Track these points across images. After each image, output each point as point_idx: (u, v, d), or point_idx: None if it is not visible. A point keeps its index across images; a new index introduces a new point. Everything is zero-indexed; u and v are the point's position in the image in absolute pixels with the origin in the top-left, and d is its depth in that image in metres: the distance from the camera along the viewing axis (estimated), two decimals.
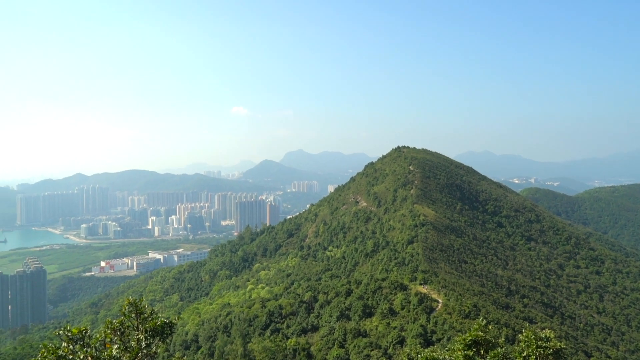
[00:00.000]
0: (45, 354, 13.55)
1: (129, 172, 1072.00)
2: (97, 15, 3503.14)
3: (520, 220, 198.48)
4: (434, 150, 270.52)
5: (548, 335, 19.27)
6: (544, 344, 18.69)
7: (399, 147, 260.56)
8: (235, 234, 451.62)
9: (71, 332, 14.04)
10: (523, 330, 20.48)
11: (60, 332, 14.12)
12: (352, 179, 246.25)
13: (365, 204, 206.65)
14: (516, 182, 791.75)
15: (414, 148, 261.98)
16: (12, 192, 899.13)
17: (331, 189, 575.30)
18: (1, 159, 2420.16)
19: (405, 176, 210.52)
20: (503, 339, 22.49)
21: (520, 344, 19.60)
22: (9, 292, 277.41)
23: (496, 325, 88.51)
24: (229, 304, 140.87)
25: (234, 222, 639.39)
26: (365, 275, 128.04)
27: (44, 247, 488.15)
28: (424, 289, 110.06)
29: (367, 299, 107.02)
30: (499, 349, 20.17)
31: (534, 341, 19.07)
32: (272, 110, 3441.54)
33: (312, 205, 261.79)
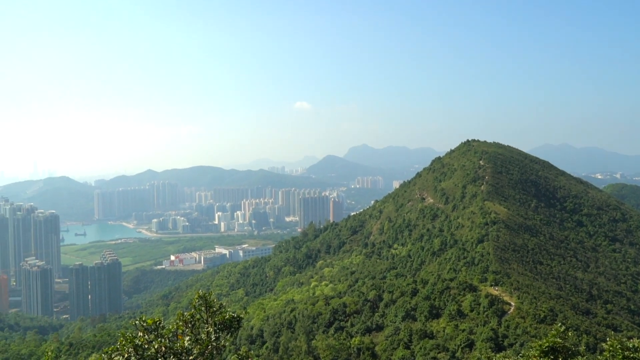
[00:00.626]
0: (123, 343, 14.19)
1: (196, 168, 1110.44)
2: (156, 13, 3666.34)
3: (603, 219, 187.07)
4: (506, 144, 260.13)
5: (636, 345, 18.06)
6: (631, 355, 17.52)
7: (468, 140, 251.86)
8: (299, 230, 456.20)
9: (146, 322, 14.67)
10: (607, 339, 19.27)
11: (137, 322, 14.76)
12: (418, 175, 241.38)
13: (432, 200, 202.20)
14: (599, 177, 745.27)
15: (485, 141, 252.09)
16: (90, 187, 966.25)
17: (396, 184, 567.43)
18: (82, 156, 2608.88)
19: (475, 171, 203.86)
20: (584, 347, 21.31)
21: (604, 353, 18.45)
22: (89, 283, 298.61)
23: (575, 332, 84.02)
24: (293, 300, 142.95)
25: (297, 219, 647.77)
26: (432, 274, 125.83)
27: (119, 241, 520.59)
28: (495, 291, 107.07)
29: (434, 300, 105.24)
30: (579, 357, 19.14)
31: (620, 351, 17.89)
32: (335, 104, 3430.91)
33: (376, 201, 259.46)
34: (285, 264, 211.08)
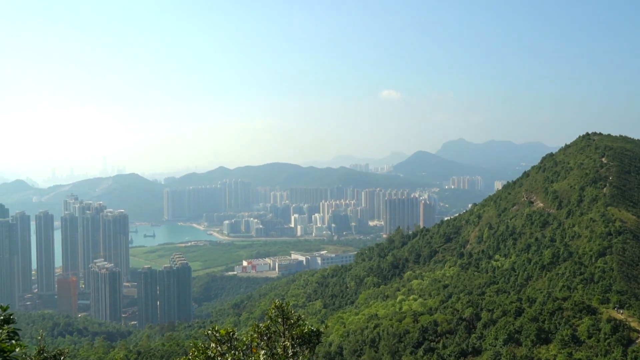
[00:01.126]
0: (195, 354, 14.84)
1: (271, 166, 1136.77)
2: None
3: None
4: (636, 138, 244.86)
5: None
6: None
7: (587, 134, 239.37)
8: (384, 236, 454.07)
9: (219, 333, 15.14)
10: None
11: (209, 332, 15.26)
12: (525, 174, 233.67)
13: (541, 204, 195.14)
14: None
15: (609, 135, 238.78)
16: (159, 185, 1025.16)
17: (498, 185, 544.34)
18: (152, 152, 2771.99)
19: (595, 171, 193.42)
20: None
21: None
22: (158, 288, 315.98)
23: None
24: (376, 315, 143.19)
25: (382, 223, 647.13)
26: (541, 292, 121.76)
27: (189, 243, 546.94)
28: (619, 315, 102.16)
29: (543, 322, 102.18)
30: None
31: None
32: (429, 92, 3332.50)
33: (474, 205, 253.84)
34: (368, 274, 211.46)
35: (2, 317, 12.26)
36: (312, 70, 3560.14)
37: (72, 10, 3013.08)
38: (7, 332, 11.66)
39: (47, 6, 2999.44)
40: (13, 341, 11.64)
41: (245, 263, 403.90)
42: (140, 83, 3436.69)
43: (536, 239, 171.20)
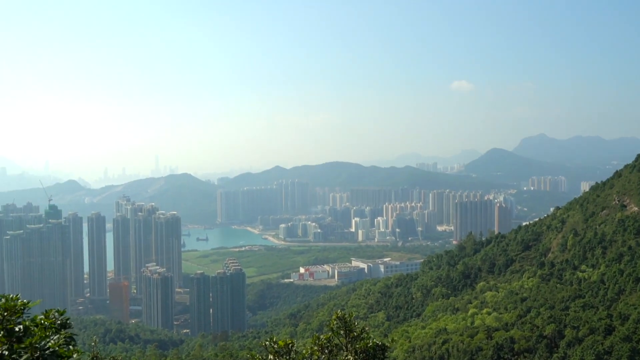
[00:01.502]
0: None
1: (330, 165, 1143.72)
2: None
3: None
4: None
5: None
6: None
7: None
8: (454, 242, 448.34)
9: (277, 344, 15.49)
10: None
11: (266, 343, 15.65)
12: (617, 174, 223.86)
13: (636, 208, 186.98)
14: None
15: None
16: (213, 186, 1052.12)
17: (585, 187, 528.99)
18: (205, 151, 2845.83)
19: None
20: None
21: None
22: (210, 295, 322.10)
23: None
24: (445, 329, 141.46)
25: (452, 228, 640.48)
26: (635, 308, 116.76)
27: (243, 248, 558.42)
28: None
29: (637, 342, 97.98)
30: None
31: None
32: (504, 82, 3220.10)
33: (557, 208, 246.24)
34: (436, 284, 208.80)
35: (59, 322, 12.96)
36: (372, 60, 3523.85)
37: (116, 6, 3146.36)
38: (65, 337, 12.30)
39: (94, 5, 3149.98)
40: (70, 347, 12.27)
41: (302, 270, 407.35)
42: (192, 81, 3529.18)
43: (629, 248, 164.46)
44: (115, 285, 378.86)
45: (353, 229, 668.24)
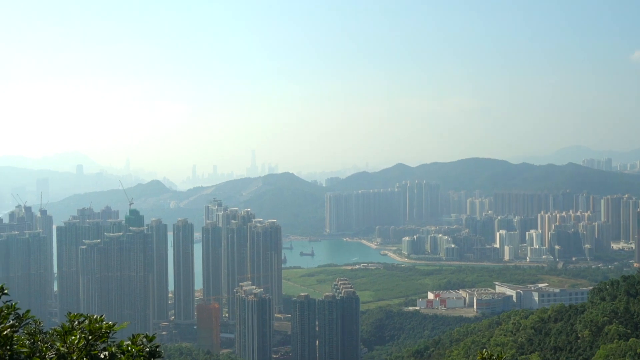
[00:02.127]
0: None
1: (467, 162, 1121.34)
2: None
3: None
4: None
5: None
6: None
7: None
8: (636, 265, 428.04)
9: None
10: None
11: None
12: None
13: None
14: None
15: None
16: (320, 188, 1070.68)
17: None
18: (310, 146, 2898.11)
19: None
20: None
21: None
22: (317, 323, 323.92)
23: None
24: None
25: (632, 246, 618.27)
26: None
27: (357, 266, 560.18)
28: None
29: None
30: None
31: None
32: None
33: None
34: (610, 319, 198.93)
35: (147, 349, 13.70)
36: (521, 30, 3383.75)
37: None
38: None
39: None
40: None
41: (431, 295, 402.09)
42: (294, 59, 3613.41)
43: None
44: (204, 307, 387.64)
45: (497, 245, 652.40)
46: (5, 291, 14.78)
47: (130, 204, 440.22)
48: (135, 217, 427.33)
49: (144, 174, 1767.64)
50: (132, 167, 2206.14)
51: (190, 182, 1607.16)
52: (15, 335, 13.51)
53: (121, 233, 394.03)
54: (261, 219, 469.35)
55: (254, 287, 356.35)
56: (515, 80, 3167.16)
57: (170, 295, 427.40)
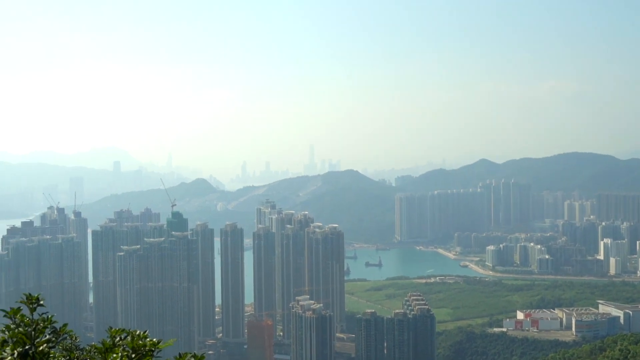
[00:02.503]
0: None
1: (564, 157, 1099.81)
2: None
3: None
4: None
5: None
6: None
7: None
8: None
9: None
10: None
11: None
12: None
13: None
14: None
15: None
16: (390, 189, 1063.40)
17: None
18: (379, 140, 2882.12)
19: None
20: None
21: None
22: (385, 344, 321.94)
23: None
24: None
25: None
26: None
27: (432, 279, 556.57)
28: None
29: None
30: None
31: None
32: None
33: None
34: None
35: None
36: None
37: None
38: None
39: None
40: None
41: (520, 315, 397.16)
42: (359, 42, 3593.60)
43: None
44: (255, 324, 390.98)
45: (601, 256, 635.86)
46: (41, 302, 15.05)
47: (172, 206, 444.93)
48: (178, 220, 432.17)
49: (188, 172, 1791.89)
50: (174, 164, 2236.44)
51: (239, 181, 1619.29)
52: (52, 351, 13.91)
53: (163, 238, 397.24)
54: (321, 224, 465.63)
55: (312, 302, 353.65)
56: (623, 59, 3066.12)
57: (217, 309, 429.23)
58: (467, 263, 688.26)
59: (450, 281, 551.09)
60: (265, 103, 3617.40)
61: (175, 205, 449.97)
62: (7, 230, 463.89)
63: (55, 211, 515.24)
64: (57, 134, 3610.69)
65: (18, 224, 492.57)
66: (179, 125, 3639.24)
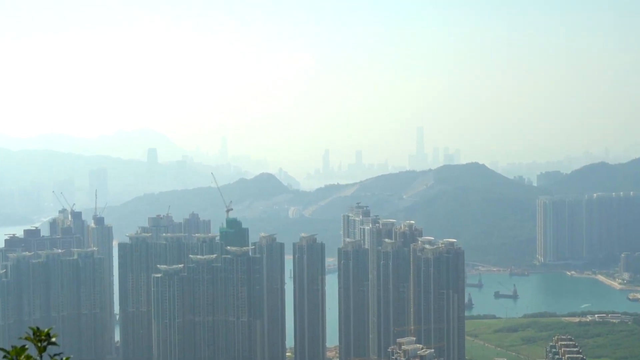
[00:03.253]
0: None
1: None
2: None
3: None
4: None
5: None
6: None
7: None
8: None
9: None
10: None
11: None
12: None
13: None
14: None
15: None
16: (529, 189, 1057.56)
17: None
18: (513, 124, 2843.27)
19: None
20: None
21: None
22: None
23: None
24: None
25: None
26: None
27: (588, 317, 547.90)
28: None
29: None
30: None
31: None
32: None
33: None
34: None
35: None
36: None
37: None
38: None
39: None
40: None
41: None
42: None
43: None
44: None
45: None
46: (53, 339, 14.75)
47: (228, 210, 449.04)
48: (235, 230, 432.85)
49: (249, 164, 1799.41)
50: (231, 154, 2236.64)
51: (319, 178, 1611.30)
52: None
53: (214, 255, 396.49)
54: (432, 238, 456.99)
55: (419, 346, 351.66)
56: None
57: (288, 354, 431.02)
58: (639, 295, 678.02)
59: (614, 321, 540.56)
60: (354, 73, 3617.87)
61: (232, 209, 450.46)
62: (6, 241, 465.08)
63: (70, 216, 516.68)
64: (73, 113, 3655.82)
65: (20, 232, 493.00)
66: (236, 102, 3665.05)
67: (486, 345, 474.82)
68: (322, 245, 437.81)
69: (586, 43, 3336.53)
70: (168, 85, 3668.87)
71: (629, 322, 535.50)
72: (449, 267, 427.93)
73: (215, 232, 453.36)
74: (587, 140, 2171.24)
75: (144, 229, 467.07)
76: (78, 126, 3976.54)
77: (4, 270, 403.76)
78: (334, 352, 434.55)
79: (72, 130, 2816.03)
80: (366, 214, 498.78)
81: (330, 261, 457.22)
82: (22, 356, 13.63)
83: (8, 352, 13.85)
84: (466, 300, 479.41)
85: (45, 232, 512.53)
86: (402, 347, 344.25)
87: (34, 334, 14.53)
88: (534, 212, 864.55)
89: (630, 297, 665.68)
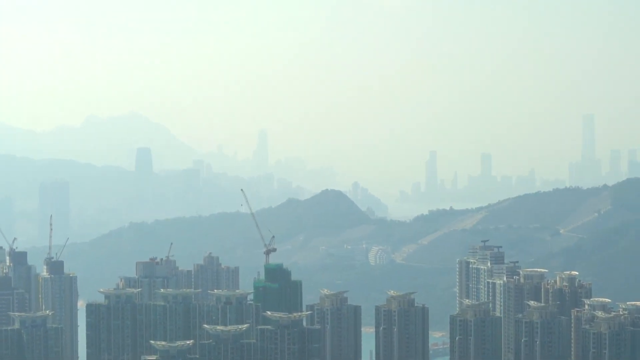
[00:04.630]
0: None
1: None
2: None
3: None
4: None
5: None
6: None
7: None
8: None
9: None
10: None
11: None
12: None
13: None
14: None
15: None
16: None
17: None
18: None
19: None
20: None
21: None
22: None
23: None
24: None
25: None
26: None
27: None
28: None
29: None
30: None
31: None
32: None
33: None
34: None
35: None
36: None
37: None
38: None
39: None
40: None
41: None
42: None
43: None
44: None
45: None
46: None
47: (268, 251, 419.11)
48: (280, 284, 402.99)
49: (303, 175, 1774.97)
50: (272, 158, 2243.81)
51: (420, 198, 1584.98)
52: None
53: (246, 326, 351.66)
54: (608, 300, 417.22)
55: None
56: None
57: None
58: None
59: None
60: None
61: (275, 249, 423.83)
62: None
63: (8, 259, 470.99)
64: (14, 91, 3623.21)
65: None
66: (280, 83, 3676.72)
67: None
68: (425, 311, 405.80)
69: None
70: (155, 50, 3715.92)
71: None
72: (635, 346, 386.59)
73: (246, 287, 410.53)
74: None
75: (128, 281, 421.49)
76: (23, 112, 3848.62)
77: None
78: None
79: (13, 119, 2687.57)
80: (498, 259, 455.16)
81: (438, 337, 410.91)
82: None
83: None
84: None
85: None
86: None
87: None
88: None
89: None
